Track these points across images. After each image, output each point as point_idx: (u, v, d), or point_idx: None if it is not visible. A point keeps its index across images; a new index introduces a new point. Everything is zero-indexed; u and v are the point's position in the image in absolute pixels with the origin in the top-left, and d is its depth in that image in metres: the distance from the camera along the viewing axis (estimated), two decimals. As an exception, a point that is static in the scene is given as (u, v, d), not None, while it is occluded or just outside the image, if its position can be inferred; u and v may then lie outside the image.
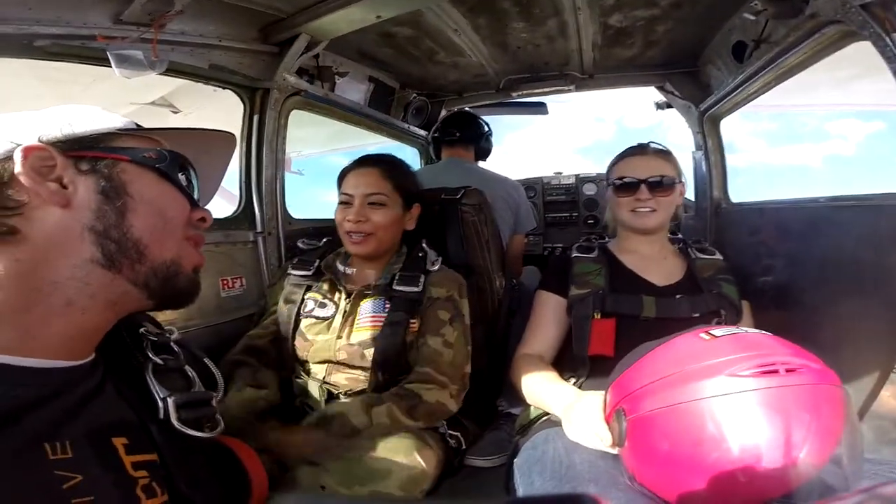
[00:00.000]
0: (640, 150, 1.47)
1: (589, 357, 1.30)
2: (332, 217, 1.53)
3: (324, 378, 1.38)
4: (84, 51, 1.45)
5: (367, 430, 1.20)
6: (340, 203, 1.48)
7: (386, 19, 1.74)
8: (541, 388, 1.27)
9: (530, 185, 3.39)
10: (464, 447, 1.47)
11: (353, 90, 2.40)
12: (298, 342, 1.42)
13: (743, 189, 2.36)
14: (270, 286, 1.64)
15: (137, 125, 0.65)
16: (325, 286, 1.48)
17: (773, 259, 1.82)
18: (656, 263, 1.45)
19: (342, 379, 1.37)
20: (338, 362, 1.38)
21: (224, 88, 1.93)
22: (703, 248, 1.50)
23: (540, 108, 2.93)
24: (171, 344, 0.71)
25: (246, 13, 1.78)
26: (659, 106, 2.58)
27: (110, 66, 1.48)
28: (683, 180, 1.47)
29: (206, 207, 0.72)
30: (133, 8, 1.45)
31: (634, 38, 2.12)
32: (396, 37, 2.14)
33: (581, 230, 3.23)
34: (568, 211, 3.33)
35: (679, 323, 1.16)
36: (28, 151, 0.54)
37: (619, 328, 1.30)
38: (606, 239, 1.58)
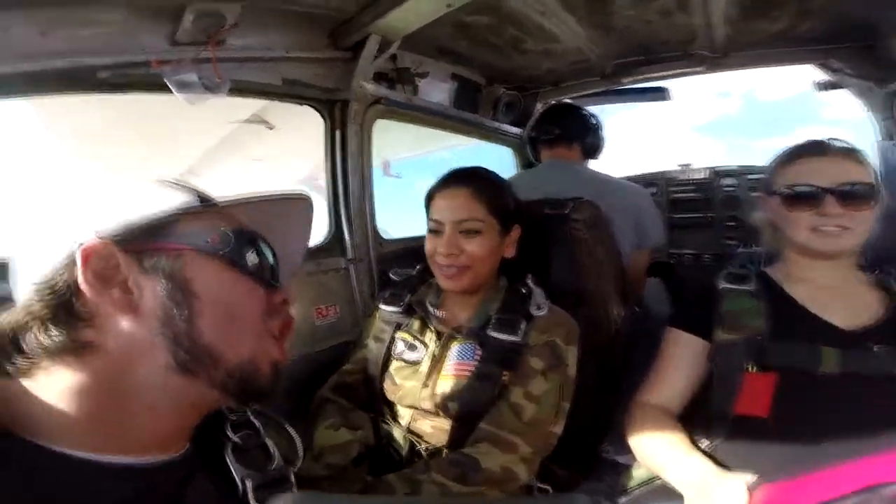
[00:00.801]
0: (819, 149, 1.06)
1: (734, 417, 1.00)
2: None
3: (408, 425, 1.23)
4: (148, 78, 1.32)
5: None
6: (429, 231, 1.27)
7: (459, 7, 1.45)
8: (664, 451, 1.00)
9: (650, 181, 2.77)
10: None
11: (437, 91, 2.12)
12: (387, 384, 1.27)
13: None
14: (366, 316, 1.48)
15: (200, 197, 0.59)
16: (416, 325, 1.30)
17: None
18: (842, 296, 1.04)
19: (427, 427, 1.20)
20: (423, 410, 1.21)
21: (301, 104, 1.70)
22: None
23: (659, 93, 2.37)
24: (251, 418, 0.68)
25: (308, 18, 1.58)
26: (821, 86, 1.97)
27: (177, 92, 1.32)
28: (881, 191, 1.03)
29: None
30: (184, 27, 1.30)
31: (782, 10, 1.60)
32: (474, 27, 1.81)
33: (718, 234, 2.61)
34: (701, 210, 2.66)
35: (873, 384, 0.92)
36: (88, 254, 0.50)
37: (782, 386, 0.97)
38: (761, 263, 1.22)
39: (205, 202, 0.59)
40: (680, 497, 0.91)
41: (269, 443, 0.67)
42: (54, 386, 0.49)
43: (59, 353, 0.50)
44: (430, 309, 1.29)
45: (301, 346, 1.56)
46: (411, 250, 1.87)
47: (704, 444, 1.03)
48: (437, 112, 2.10)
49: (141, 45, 1.28)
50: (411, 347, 1.27)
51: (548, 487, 1.21)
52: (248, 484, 0.61)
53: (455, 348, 1.21)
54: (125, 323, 0.51)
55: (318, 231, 1.80)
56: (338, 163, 1.79)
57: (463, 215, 1.21)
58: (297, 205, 0.68)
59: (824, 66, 1.89)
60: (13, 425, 0.47)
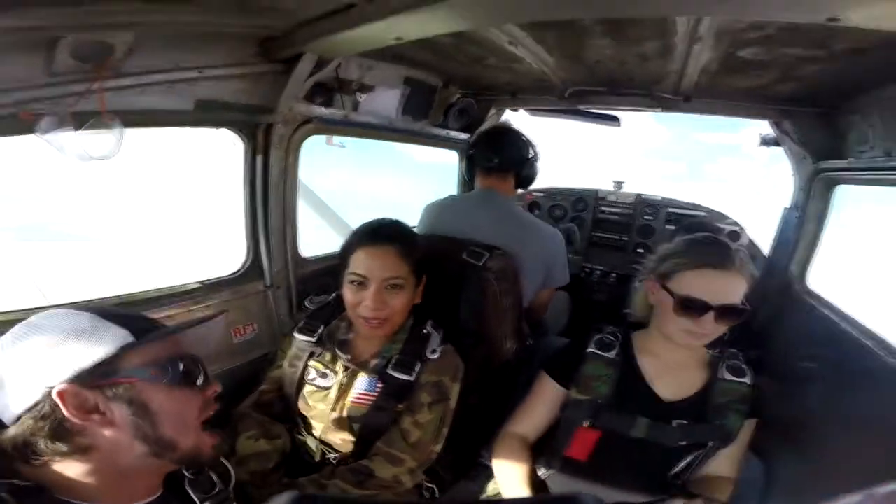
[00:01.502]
0: (723, 261, 1.17)
1: (563, 457, 1.29)
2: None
3: (320, 437, 1.39)
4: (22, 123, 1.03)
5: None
6: (351, 283, 1.31)
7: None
8: (507, 481, 1.30)
9: (581, 198, 2.83)
10: (437, 495, 1.46)
11: (384, 98, 1.86)
12: (301, 404, 1.41)
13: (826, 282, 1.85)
14: (283, 335, 1.53)
15: (134, 331, 0.73)
16: (328, 356, 1.41)
17: (814, 385, 1.48)
18: (675, 372, 1.29)
19: (336, 438, 1.37)
20: (331, 427, 1.37)
21: (217, 128, 1.45)
22: (736, 368, 1.28)
23: (612, 120, 2.26)
24: None
25: (229, 35, 1.30)
26: (764, 141, 1.94)
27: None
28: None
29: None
30: (59, 60, 1.01)
31: (766, 72, 1.51)
32: (436, 42, 1.57)
33: (629, 257, 2.70)
34: (618, 233, 2.76)
35: (661, 450, 1.22)
36: (62, 396, 0.67)
37: (602, 440, 1.26)
38: (631, 330, 1.39)
39: (138, 335, 0.73)
40: None
41: (212, 474, 0.90)
42: (69, 470, 0.70)
43: (67, 455, 0.69)
44: (338, 351, 1.38)
45: (221, 363, 1.56)
46: (332, 269, 1.81)
47: (542, 471, 1.33)
48: (380, 126, 1.89)
49: (9, 79, 0.99)
50: (322, 375, 1.39)
51: (433, 486, 1.43)
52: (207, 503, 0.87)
53: (360, 380, 1.36)
54: (107, 432, 0.70)
55: (237, 258, 1.68)
56: (257, 189, 1.59)
57: (390, 273, 1.29)
58: (218, 319, 0.86)
59: (777, 125, 1.85)
60: (57, 486, 0.68)
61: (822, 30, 1.02)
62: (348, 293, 1.31)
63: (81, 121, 1.08)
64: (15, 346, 0.69)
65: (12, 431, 0.68)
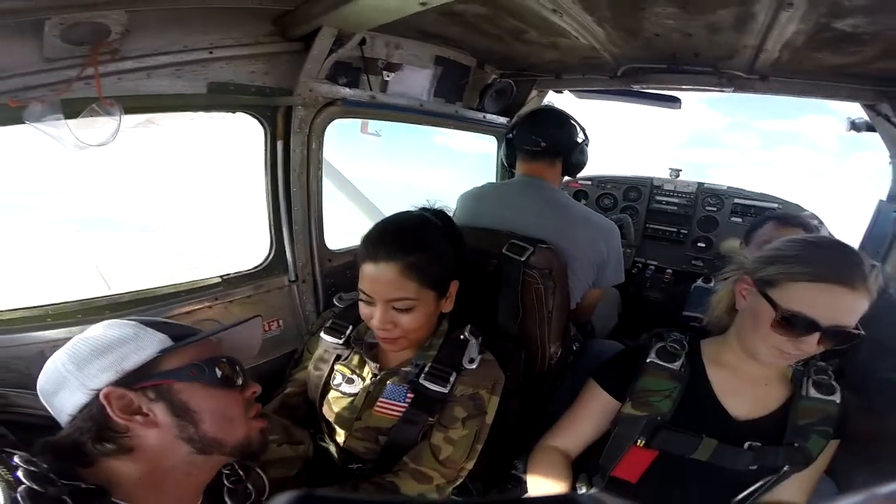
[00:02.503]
0: (852, 277, 0.92)
1: (610, 476, 1.13)
2: None
3: (343, 444, 1.27)
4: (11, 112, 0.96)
5: None
6: (361, 299, 1.17)
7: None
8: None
9: (633, 186, 2.52)
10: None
11: (415, 79, 1.69)
12: (325, 409, 1.30)
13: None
14: (310, 335, 1.42)
15: (172, 339, 0.76)
16: (355, 360, 1.29)
17: None
18: (750, 388, 1.10)
19: (359, 447, 1.26)
20: (356, 436, 1.26)
21: (233, 112, 1.34)
22: (824, 384, 1.08)
23: (671, 101, 1.96)
24: (237, 467, 0.90)
25: (241, 11, 1.19)
26: (855, 126, 1.63)
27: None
28: None
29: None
30: (49, 43, 0.92)
31: (867, 47, 1.23)
32: (464, 15, 1.39)
33: (687, 253, 2.42)
34: (676, 225, 2.44)
35: (727, 475, 1.06)
36: (108, 397, 0.71)
37: (657, 461, 1.10)
38: (701, 325, 1.21)
39: (177, 340, 0.76)
40: None
41: (248, 485, 0.90)
42: (117, 471, 0.72)
43: (114, 455, 0.72)
44: (366, 357, 1.26)
45: (245, 361, 1.48)
46: None
47: (583, 490, 1.18)
48: (409, 109, 1.71)
49: (2, 66, 0.91)
50: (349, 381, 1.27)
51: (461, 500, 1.32)
52: None
53: (389, 388, 1.23)
54: (151, 433, 0.73)
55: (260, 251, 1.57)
56: (279, 178, 1.47)
57: (393, 294, 1.12)
58: (251, 322, 0.88)
59: (871, 107, 1.54)
60: (109, 488, 0.69)
61: None
62: (361, 306, 1.18)
63: (80, 107, 0.99)
64: (69, 356, 0.74)
65: (65, 433, 0.73)
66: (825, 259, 0.96)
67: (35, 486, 0.61)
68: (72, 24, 0.91)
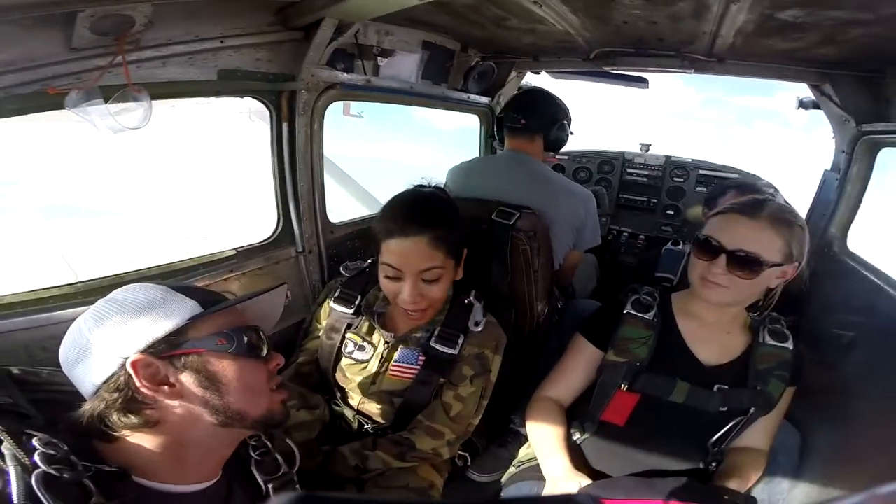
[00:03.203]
0: (750, 209, 1.11)
1: (600, 421, 1.23)
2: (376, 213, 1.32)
3: (358, 408, 1.34)
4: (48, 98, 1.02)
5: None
6: (386, 276, 1.21)
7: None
8: (543, 445, 1.25)
9: (607, 160, 2.69)
10: (469, 463, 1.47)
11: (404, 63, 1.79)
12: (338, 376, 1.36)
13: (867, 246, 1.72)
14: (318, 304, 1.46)
15: (202, 303, 0.74)
16: (365, 327, 1.34)
17: (854, 352, 1.40)
18: (716, 336, 1.22)
19: (374, 409, 1.32)
20: (371, 399, 1.33)
21: (242, 97, 1.42)
22: (778, 332, 1.21)
23: (640, 82, 2.11)
24: (263, 437, 0.90)
25: (245, 4, 1.26)
26: (803, 104, 1.80)
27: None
28: (799, 261, 1.11)
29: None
30: (79, 34, 0.99)
31: (807, 34, 1.38)
32: (453, 4, 1.48)
33: (657, 220, 2.61)
34: (647, 195, 2.63)
35: (701, 416, 1.16)
36: (135, 365, 0.67)
37: (640, 404, 1.19)
38: (672, 285, 1.39)
39: (206, 307, 0.73)
40: (544, 479, 1.20)
41: (277, 456, 0.90)
42: (142, 445, 0.70)
43: (138, 428, 0.70)
44: (377, 326, 1.31)
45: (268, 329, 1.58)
46: (362, 232, 1.88)
47: (576, 436, 1.27)
48: (400, 91, 1.82)
49: (31, 57, 0.98)
50: (360, 348, 1.33)
51: (466, 454, 1.43)
52: (270, 486, 0.86)
53: (401, 352, 1.30)
54: (177, 404, 0.71)
55: (268, 225, 1.67)
56: (285, 156, 1.56)
57: (425, 265, 1.17)
58: (279, 290, 0.84)
59: (817, 88, 1.71)
60: (129, 468, 0.68)
61: None
62: (385, 283, 1.21)
63: (108, 94, 1.07)
64: (95, 321, 0.71)
65: (88, 405, 0.69)
66: (738, 200, 1.15)
67: (51, 471, 0.58)
68: (102, 15, 0.97)
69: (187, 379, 0.71)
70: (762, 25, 1.38)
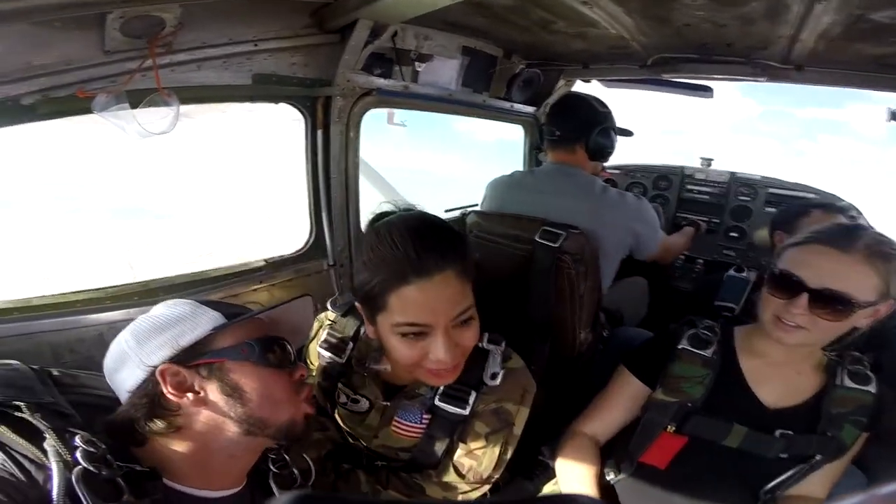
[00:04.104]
0: (843, 241, 0.93)
1: (638, 462, 1.12)
2: None
3: (365, 448, 1.17)
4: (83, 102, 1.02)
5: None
6: (404, 336, 0.88)
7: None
8: (571, 482, 1.15)
9: (664, 175, 2.47)
10: (488, 495, 1.22)
11: (443, 68, 1.71)
12: (340, 422, 1.18)
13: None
14: (308, 339, 1.20)
15: (226, 314, 0.77)
16: (356, 378, 1.11)
17: None
18: (784, 376, 1.07)
19: (382, 453, 1.16)
20: (377, 450, 1.15)
21: (276, 103, 1.39)
22: (859, 374, 1.05)
23: (703, 91, 1.91)
24: (283, 453, 0.90)
25: (283, 3, 1.23)
26: (894, 116, 1.56)
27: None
28: (892, 300, 0.93)
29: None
30: (110, 36, 0.98)
31: None
32: (493, 6, 1.40)
33: (719, 241, 2.36)
34: (708, 215, 2.35)
35: (757, 463, 1.05)
36: (163, 374, 0.72)
37: (687, 447, 1.08)
38: (734, 315, 1.28)
39: (230, 318, 0.76)
40: None
41: (294, 470, 0.90)
42: (170, 449, 0.73)
43: (164, 433, 0.73)
44: (373, 385, 1.10)
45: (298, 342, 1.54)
46: None
47: (610, 476, 1.16)
48: (439, 98, 1.74)
49: (66, 59, 0.98)
50: (354, 401, 1.12)
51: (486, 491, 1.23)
52: None
53: (403, 409, 1.08)
54: (202, 412, 0.74)
55: (300, 236, 1.63)
56: (319, 164, 1.52)
57: (459, 308, 0.88)
58: (301, 301, 0.86)
59: (913, 98, 1.48)
60: (160, 469, 0.71)
61: None
62: (402, 348, 0.90)
63: (138, 98, 1.05)
64: (132, 333, 0.76)
65: (121, 410, 0.74)
66: (822, 229, 0.98)
67: (90, 468, 0.62)
68: (132, 17, 0.97)
69: (211, 387, 0.74)
70: (851, 28, 1.20)
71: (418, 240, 0.85)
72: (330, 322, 1.14)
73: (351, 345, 1.09)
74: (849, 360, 1.07)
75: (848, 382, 1.04)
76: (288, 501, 0.30)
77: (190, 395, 0.73)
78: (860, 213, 1.95)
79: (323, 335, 1.11)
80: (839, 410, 1.02)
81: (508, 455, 1.08)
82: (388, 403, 1.08)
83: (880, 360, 1.16)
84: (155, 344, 0.73)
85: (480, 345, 1.03)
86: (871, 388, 1.03)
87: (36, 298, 1.14)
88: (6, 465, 0.61)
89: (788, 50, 1.43)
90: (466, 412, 1.03)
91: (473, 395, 1.03)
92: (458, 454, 1.07)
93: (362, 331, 1.09)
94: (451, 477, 1.09)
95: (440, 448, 1.07)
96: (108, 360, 0.77)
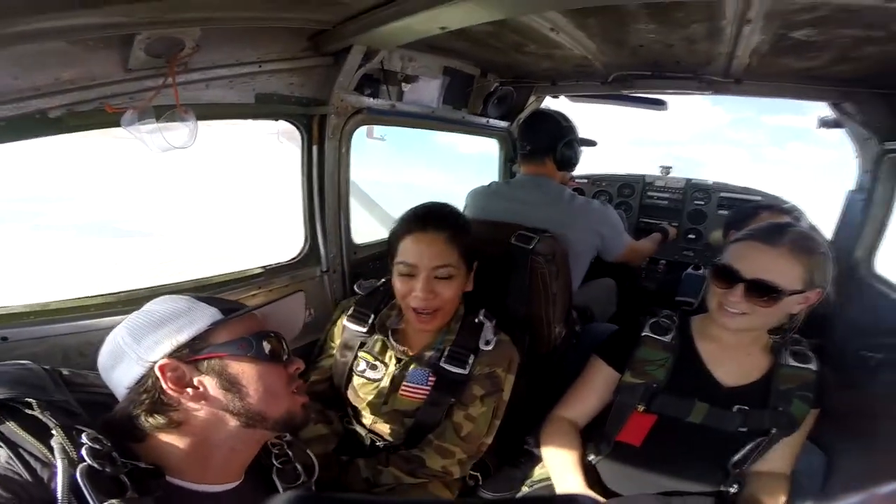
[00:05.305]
0: (770, 236, 1.12)
1: (615, 442, 1.25)
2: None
3: (370, 426, 1.38)
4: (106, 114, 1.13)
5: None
6: (400, 274, 1.27)
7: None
8: (557, 464, 1.27)
9: (627, 183, 2.74)
10: (481, 483, 1.46)
11: (426, 88, 1.90)
12: (350, 394, 1.40)
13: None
14: (331, 323, 1.51)
15: (223, 309, 0.81)
16: (378, 346, 1.38)
17: (881, 374, 1.41)
18: (735, 357, 1.23)
19: (385, 428, 1.36)
20: (382, 419, 1.37)
21: (276, 120, 1.53)
22: (800, 353, 1.22)
23: (658, 104, 2.20)
24: (286, 448, 0.95)
25: (284, 29, 1.37)
26: (824, 123, 1.84)
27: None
28: (823, 287, 1.11)
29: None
30: (135, 55, 1.10)
31: (822, 53, 1.44)
32: (472, 31, 1.60)
33: (678, 244, 2.62)
34: (667, 219, 2.62)
35: (720, 437, 1.17)
36: (163, 369, 0.74)
37: (657, 425, 1.22)
38: (693, 309, 1.41)
39: (227, 314, 0.80)
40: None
41: (297, 465, 0.94)
42: (169, 444, 0.76)
43: (164, 429, 0.75)
44: (391, 341, 1.36)
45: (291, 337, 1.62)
46: (383, 254, 1.91)
47: (591, 457, 1.30)
48: (422, 116, 1.93)
49: (91, 76, 1.09)
50: (373, 367, 1.37)
51: (478, 473, 1.42)
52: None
53: (412, 372, 1.33)
54: (200, 406, 0.77)
55: (295, 245, 1.75)
56: (314, 178, 1.66)
57: (439, 261, 1.24)
58: (294, 298, 0.92)
59: (837, 106, 1.76)
60: (163, 466, 0.73)
61: (880, 10, 0.97)
62: (398, 283, 1.28)
63: (158, 114, 1.17)
64: (127, 330, 0.79)
65: (120, 407, 0.76)
66: (756, 227, 1.17)
67: (95, 465, 0.64)
68: (157, 38, 1.08)
69: (210, 382, 0.77)
70: (776, 45, 1.44)
71: (425, 210, 1.31)
72: (356, 300, 1.45)
73: (373, 316, 1.39)
74: (790, 342, 1.23)
75: (791, 362, 1.20)
76: (286, 502, 0.34)
77: (189, 390, 0.75)
78: (802, 213, 2.25)
79: (350, 311, 1.41)
80: (787, 387, 1.18)
81: (498, 420, 1.33)
82: (403, 361, 1.33)
83: (822, 346, 1.34)
84: (153, 340, 0.76)
85: (477, 320, 1.35)
86: (813, 367, 1.20)
87: (53, 303, 1.21)
88: (12, 463, 0.62)
89: (728, 65, 1.68)
90: (466, 372, 1.29)
91: (472, 357, 1.30)
92: (458, 416, 1.30)
93: (382, 309, 1.40)
94: (449, 439, 1.29)
95: (442, 407, 1.30)
96: (103, 358, 0.79)
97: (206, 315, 0.79)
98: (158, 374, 0.74)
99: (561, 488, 1.20)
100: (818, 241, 1.13)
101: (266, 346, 0.81)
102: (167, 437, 0.76)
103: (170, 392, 0.74)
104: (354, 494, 1.20)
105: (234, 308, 0.83)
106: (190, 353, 0.77)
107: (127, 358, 0.77)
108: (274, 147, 1.72)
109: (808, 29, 1.27)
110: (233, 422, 0.78)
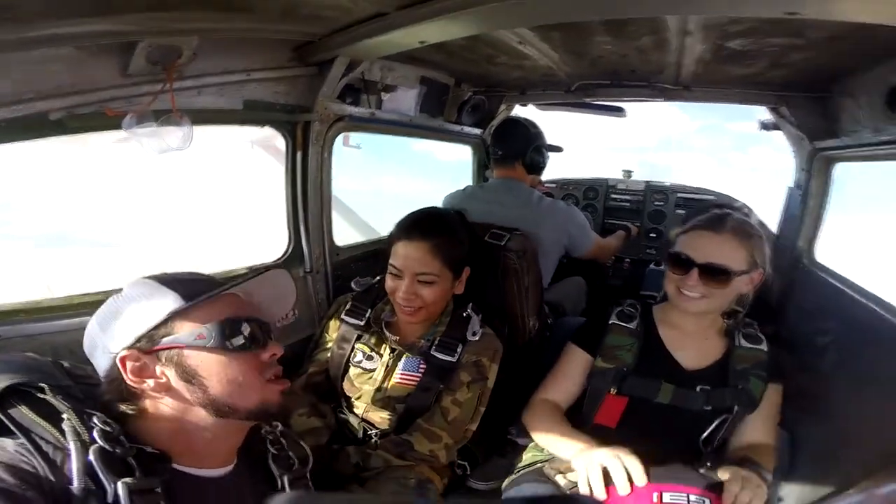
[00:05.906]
0: (714, 224, 1.28)
1: (593, 424, 1.33)
2: (380, 236, 1.56)
3: (363, 416, 1.47)
4: (104, 118, 1.20)
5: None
6: (390, 273, 1.41)
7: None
8: (553, 433, 1.31)
9: (591, 187, 2.95)
10: (468, 472, 1.55)
11: (404, 97, 2.04)
12: (346, 385, 1.50)
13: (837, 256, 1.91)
14: (327, 318, 1.61)
15: (185, 295, 0.77)
16: (373, 339, 1.50)
17: (829, 354, 1.54)
18: (695, 342, 1.37)
19: (377, 417, 1.46)
20: (375, 406, 1.46)
21: (263, 126, 1.63)
22: (751, 336, 1.36)
23: (617, 111, 2.42)
24: (280, 437, 0.94)
25: (271, 40, 1.47)
26: (764, 126, 2.07)
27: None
28: (763, 267, 1.29)
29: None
30: (136, 62, 1.18)
31: (757, 61, 1.63)
32: (448, 44, 1.74)
33: (641, 243, 2.82)
34: (630, 219, 2.83)
35: (688, 415, 1.28)
36: (123, 361, 0.73)
37: (630, 407, 1.31)
38: (656, 301, 1.50)
39: (189, 299, 0.77)
40: (546, 481, 1.28)
41: (291, 454, 0.94)
42: (153, 431, 0.76)
43: (138, 417, 0.76)
44: (386, 332, 1.48)
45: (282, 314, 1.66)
46: (366, 255, 2.08)
47: None
48: (400, 123, 2.07)
49: (91, 80, 1.17)
50: (369, 358, 1.49)
51: (465, 463, 1.52)
52: (285, 479, 0.90)
53: (404, 361, 1.46)
54: (165, 396, 0.76)
55: (279, 246, 1.83)
56: (298, 182, 1.76)
57: (421, 269, 1.37)
58: (274, 273, 0.91)
59: (774, 109, 1.97)
60: (168, 451, 0.75)
61: (795, 20, 1.07)
62: (388, 280, 1.42)
63: (154, 118, 1.25)
64: (98, 316, 0.80)
65: (98, 393, 0.77)
66: (699, 217, 1.33)
67: (106, 447, 0.66)
68: (157, 45, 1.16)
69: (170, 373, 0.76)
70: (717, 54, 1.63)
71: (416, 219, 1.45)
72: (353, 296, 1.56)
73: (369, 311, 1.51)
74: (742, 325, 1.37)
75: (744, 343, 1.34)
76: (286, 502, 0.37)
77: (151, 381, 0.74)
78: (752, 210, 2.47)
79: (347, 306, 1.53)
80: (743, 366, 1.30)
81: (482, 408, 1.45)
82: (396, 351, 1.45)
83: (777, 332, 1.51)
84: (114, 331, 0.76)
85: (465, 313, 1.48)
86: (763, 347, 1.34)
87: (44, 301, 1.25)
88: (24, 451, 0.64)
89: (677, 74, 1.88)
90: (454, 359, 1.41)
91: (460, 346, 1.43)
92: (446, 401, 1.41)
93: (377, 304, 1.53)
94: (437, 423, 1.39)
95: (432, 393, 1.41)
96: (85, 347, 0.81)
97: (165, 303, 0.76)
98: (119, 365, 0.74)
99: (566, 449, 1.23)
100: (754, 226, 1.31)
101: (232, 334, 0.77)
102: (148, 425, 0.76)
103: (130, 384, 0.74)
104: (355, 494, 1.25)
105: (200, 291, 0.78)
106: (148, 343, 0.75)
107: (98, 347, 0.78)
108: (246, 154, 1.81)
109: (742, 39, 1.46)
110: (202, 412, 0.77)
